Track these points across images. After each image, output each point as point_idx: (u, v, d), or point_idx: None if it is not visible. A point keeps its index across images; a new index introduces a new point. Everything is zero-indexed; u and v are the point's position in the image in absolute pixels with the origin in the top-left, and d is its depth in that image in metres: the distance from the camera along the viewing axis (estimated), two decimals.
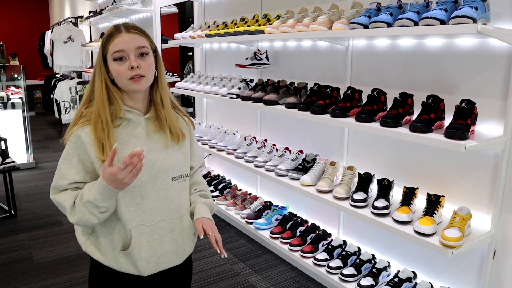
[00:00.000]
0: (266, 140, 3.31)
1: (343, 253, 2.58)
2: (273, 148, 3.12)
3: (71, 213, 1.29)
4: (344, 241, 2.70)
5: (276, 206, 3.27)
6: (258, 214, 3.23)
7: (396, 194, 2.31)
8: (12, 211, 3.97)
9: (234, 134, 3.58)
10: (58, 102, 7.78)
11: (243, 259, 3.16)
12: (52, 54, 7.84)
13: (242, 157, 3.21)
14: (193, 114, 4.62)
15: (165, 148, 1.40)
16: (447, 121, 1.99)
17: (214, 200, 3.64)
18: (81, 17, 8.16)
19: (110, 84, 1.33)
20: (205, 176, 4.01)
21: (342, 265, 2.50)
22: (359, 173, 2.40)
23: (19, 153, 5.46)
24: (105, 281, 1.41)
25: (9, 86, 6.11)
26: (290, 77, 3.12)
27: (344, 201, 2.35)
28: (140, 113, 1.38)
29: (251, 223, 3.18)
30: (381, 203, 2.15)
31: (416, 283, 2.26)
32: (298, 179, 2.67)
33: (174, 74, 4.80)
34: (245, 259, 3.16)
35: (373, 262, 2.49)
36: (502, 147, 1.86)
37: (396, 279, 2.24)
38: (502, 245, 1.96)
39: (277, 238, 2.93)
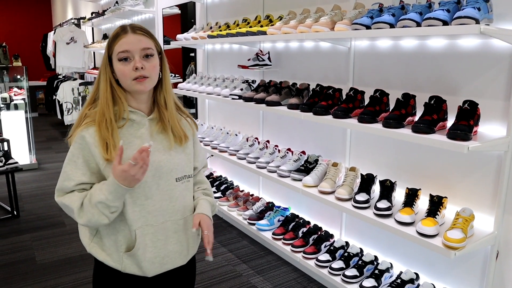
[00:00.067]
0: (268, 141, 3.31)
1: (346, 254, 2.58)
2: (275, 149, 3.12)
3: (79, 214, 1.29)
4: (347, 242, 2.70)
5: (278, 207, 3.26)
6: (260, 215, 3.23)
7: (399, 195, 2.30)
8: (15, 212, 3.98)
9: (236, 135, 3.58)
10: (60, 103, 7.80)
11: (245, 260, 3.16)
12: (54, 55, 7.87)
13: (244, 158, 3.21)
14: (195, 115, 4.62)
15: (169, 149, 1.40)
16: (450, 122, 1.98)
17: (216, 201, 3.64)
18: (84, 18, 8.18)
19: (115, 84, 1.34)
20: (207, 177, 3.99)
21: (344, 266, 2.50)
22: (361, 174, 2.40)
23: (22, 154, 5.48)
24: (109, 282, 1.42)
25: (12, 87, 6.13)
26: (292, 78, 3.12)
27: (347, 202, 2.35)
28: (143, 114, 1.39)
29: (253, 224, 3.18)
30: (383, 204, 2.15)
31: (418, 285, 2.25)
32: (300, 180, 2.67)
33: (176, 75, 4.81)
34: (247, 260, 3.16)
35: (375, 263, 2.48)
36: (505, 148, 1.86)
37: (399, 281, 2.24)
38: (505, 246, 1.95)
39: (279, 239, 2.92)
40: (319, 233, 2.84)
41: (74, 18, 8.73)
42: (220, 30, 3.36)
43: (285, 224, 3.02)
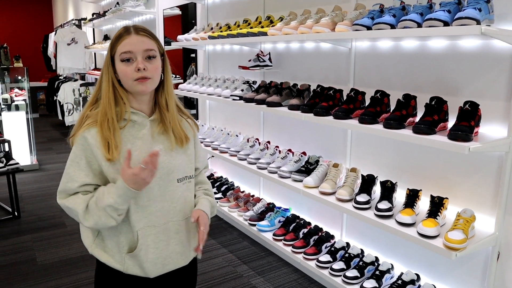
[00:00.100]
0: (269, 142, 3.31)
1: (346, 255, 2.58)
2: (276, 150, 3.12)
3: (84, 217, 1.29)
4: (347, 243, 2.70)
5: (279, 208, 3.26)
6: (261, 216, 3.23)
7: (400, 196, 2.30)
8: (16, 213, 3.98)
9: (237, 136, 3.58)
10: (61, 104, 7.81)
11: (245, 261, 3.16)
12: (55, 56, 7.88)
13: (245, 159, 3.21)
14: (196, 116, 4.63)
15: (170, 150, 1.41)
16: (451, 122, 1.98)
17: (217, 202, 3.64)
18: (85, 19, 8.19)
19: (117, 84, 1.35)
20: (208, 178, 3.99)
21: (345, 267, 2.50)
22: (362, 175, 2.40)
23: (23, 155, 5.48)
24: (111, 283, 1.42)
25: (13, 88, 6.13)
26: (293, 79, 3.12)
27: (347, 203, 2.34)
28: (145, 115, 1.39)
29: (254, 225, 3.17)
30: (384, 205, 2.14)
31: (419, 286, 2.25)
32: (301, 181, 2.67)
33: (177, 76, 4.81)
34: (248, 261, 3.16)
35: (376, 264, 2.48)
36: (506, 149, 1.86)
37: (400, 282, 2.23)
38: (506, 247, 1.95)
39: (280, 240, 2.92)
40: (320, 234, 2.83)
41: (75, 19, 8.74)
42: (221, 31, 3.36)
43: (286, 225, 3.02)
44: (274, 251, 3.27)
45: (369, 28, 2.08)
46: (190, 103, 4.80)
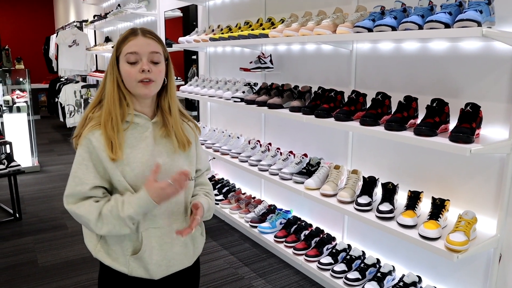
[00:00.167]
0: (270, 144, 3.31)
1: (348, 257, 2.57)
2: (277, 151, 3.12)
3: (97, 225, 1.28)
4: (349, 245, 2.69)
5: (280, 210, 3.26)
6: (262, 218, 3.23)
7: (401, 198, 2.30)
8: (17, 215, 3.99)
9: (238, 137, 3.58)
10: (62, 105, 7.83)
11: (247, 263, 3.16)
12: (57, 58, 7.89)
13: (246, 161, 3.21)
14: (197, 118, 4.63)
15: (172, 153, 1.41)
16: (452, 124, 1.98)
17: (218, 204, 3.64)
18: (86, 21, 8.20)
19: (121, 84, 1.35)
20: (209, 180, 4.00)
21: (346, 269, 2.49)
22: (363, 177, 2.40)
23: (24, 157, 5.49)
24: (115, 286, 1.42)
25: (15, 89, 6.15)
26: (294, 80, 3.12)
27: (349, 205, 2.34)
28: (147, 117, 1.40)
29: (255, 227, 3.17)
30: (385, 207, 2.14)
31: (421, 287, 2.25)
32: (302, 182, 2.66)
33: (178, 78, 4.82)
34: (249, 263, 3.16)
35: (377, 266, 2.48)
36: (508, 150, 1.85)
37: (401, 283, 2.23)
38: (507, 249, 1.94)
39: (281, 242, 2.92)
40: (321, 236, 2.83)
41: (77, 21, 8.76)
42: (222, 33, 3.36)
43: (287, 227, 3.02)
44: (276, 253, 3.27)
45: (370, 30, 2.09)
46: (191, 105, 4.81)
